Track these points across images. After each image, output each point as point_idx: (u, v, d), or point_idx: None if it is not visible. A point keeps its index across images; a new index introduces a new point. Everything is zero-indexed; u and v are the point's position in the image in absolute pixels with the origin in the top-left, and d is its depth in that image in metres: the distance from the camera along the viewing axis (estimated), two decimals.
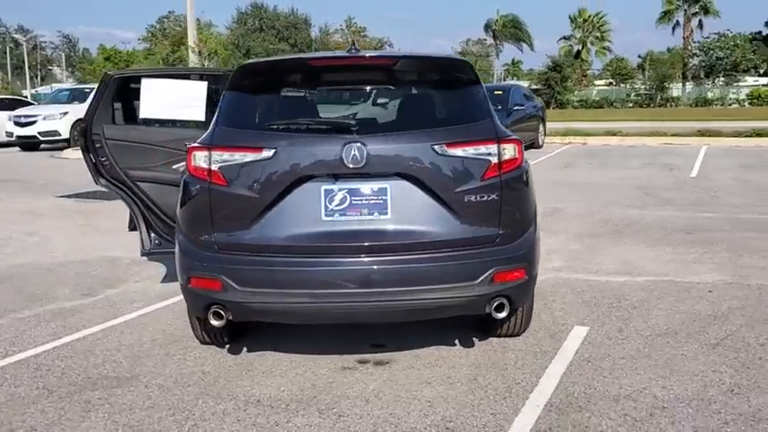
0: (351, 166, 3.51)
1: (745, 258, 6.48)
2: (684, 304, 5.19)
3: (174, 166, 5.35)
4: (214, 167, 3.64)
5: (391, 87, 3.85)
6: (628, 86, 48.64)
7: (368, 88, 3.86)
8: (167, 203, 5.32)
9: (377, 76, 3.83)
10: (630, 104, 43.77)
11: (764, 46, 58.03)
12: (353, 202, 3.57)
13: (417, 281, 3.56)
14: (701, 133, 18.34)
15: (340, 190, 3.57)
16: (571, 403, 3.62)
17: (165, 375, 4.08)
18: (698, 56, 49.09)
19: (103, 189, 5.68)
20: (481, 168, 3.61)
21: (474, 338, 4.52)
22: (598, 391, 3.75)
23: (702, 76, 48.67)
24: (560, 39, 51.14)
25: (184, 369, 4.17)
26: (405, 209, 3.58)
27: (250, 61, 3.98)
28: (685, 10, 48.49)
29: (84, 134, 5.38)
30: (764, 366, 4.03)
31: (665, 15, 49.25)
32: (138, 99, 5.30)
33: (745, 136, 17.59)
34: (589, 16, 49.83)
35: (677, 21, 49.33)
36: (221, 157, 3.63)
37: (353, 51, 4.05)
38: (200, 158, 3.68)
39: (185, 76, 5.46)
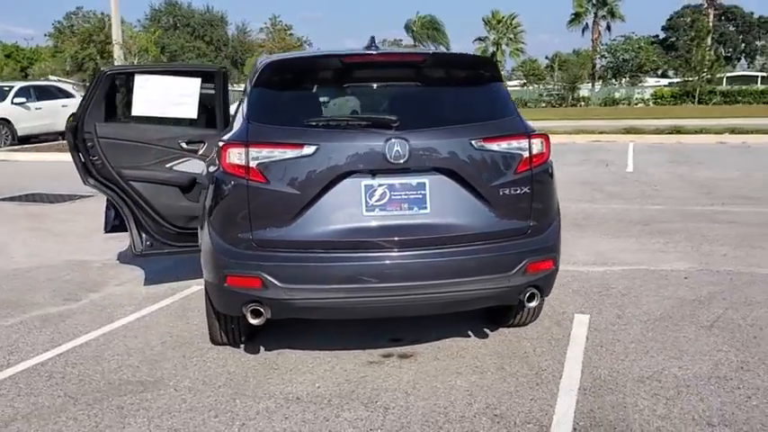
0: (393, 161, 3.56)
1: (705, 247, 6.90)
2: (667, 290, 5.49)
3: (168, 165, 5.24)
4: (252, 164, 3.60)
5: (422, 84, 3.91)
6: (540, 87, 50.25)
7: (400, 84, 3.91)
8: (162, 203, 5.21)
9: (407, 73, 3.88)
10: (543, 104, 45.26)
11: (662, 49, 61.33)
12: (393, 197, 3.62)
13: (457, 273, 3.65)
14: (627, 131, 19.23)
15: (380, 185, 3.61)
16: (601, 386, 3.79)
17: (191, 378, 4.01)
18: (606, 57, 51.28)
19: (91, 189, 5.48)
20: (514, 162, 3.73)
21: (485, 329, 4.64)
22: (621, 374, 3.94)
23: (610, 77, 50.87)
24: (475, 40, 52.31)
25: (208, 370, 4.10)
26: (443, 203, 3.66)
27: (279, 57, 3.96)
28: (594, 13, 50.55)
29: (74, 132, 5.18)
30: (761, 345, 4.34)
31: (576, 18, 51.18)
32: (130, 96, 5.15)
33: (667, 133, 18.57)
34: (503, 18, 51.18)
35: (586, 23, 51.36)
36: (259, 154, 3.60)
37: (374, 48, 4.11)
38: (236, 155, 3.63)
39: (179, 72, 5.34)
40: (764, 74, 55.31)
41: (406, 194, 3.63)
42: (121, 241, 7.48)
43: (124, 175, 5.14)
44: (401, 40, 67.86)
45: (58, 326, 4.95)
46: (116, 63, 20.74)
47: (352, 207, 3.61)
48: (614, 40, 50.95)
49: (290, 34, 36.60)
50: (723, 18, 77.91)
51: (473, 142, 3.67)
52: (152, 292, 5.70)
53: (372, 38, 4.13)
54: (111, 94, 5.24)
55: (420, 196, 3.63)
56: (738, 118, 22.58)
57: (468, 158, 3.66)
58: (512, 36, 51.07)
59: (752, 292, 5.36)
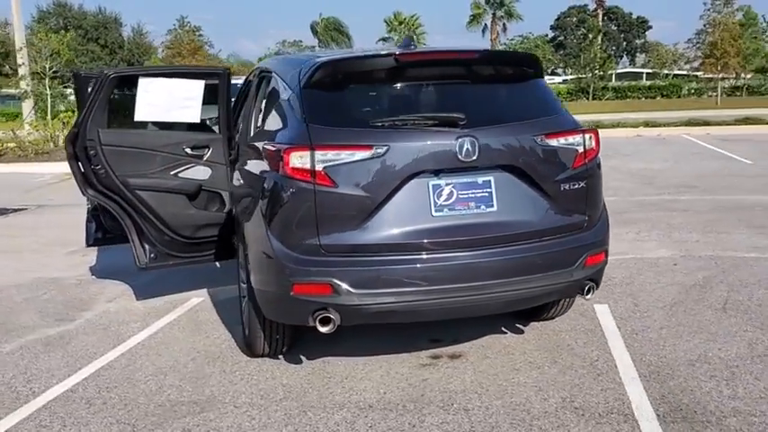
0: (464, 159, 3.52)
1: (675, 234, 7.24)
2: (665, 277, 5.72)
3: (172, 172, 4.98)
4: (318, 168, 3.47)
5: (475, 81, 3.88)
6: None
7: (454, 82, 3.86)
8: (169, 212, 4.95)
9: (460, 71, 3.84)
10: None
11: (552, 48, 63.91)
12: (460, 196, 3.59)
13: (526, 271, 3.65)
14: None
15: (447, 185, 3.57)
16: (658, 372, 3.90)
17: (245, 393, 3.83)
18: None
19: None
20: (571, 158, 3.78)
21: (516, 325, 4.68)
22: (670, 359, 4.07)
23: None
24: (378, 40, 52.72)
25: (259, 384, 3.93)
26: (509, 200, 3.65)
27: (330, 58, 3.82)
28: (492, 14, 52.06)
29: (73, 141, 4.82)
30: None
31: (474, 19, 52.55)
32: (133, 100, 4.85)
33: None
34: (405, 19, 51.84)
35: (485, 24, 52.83)
36: (325, 157, 3.47)
37: (412, 47, 4.06)
38: (299, 159, 3.48)
39: (183, 74, 5.08)
40: (649, 70, 58.54)
41: (472, 193, 3.60)
42: (85, 255, 7.11)
43: (130, 183, 4.83)
44: (301, 42, 67.37)
45: (65, 349, 4.60)
46: (22, 68, 19.44)
47: (421, 208, 3.55)
48: (512, 39, 52.69)
49: (200, 35, 35.58)
50: (605, 18, 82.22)
51: (536, 138, 3.69)
52: (150, 307, 5.40)
53: (410, 36, 4.08)
54: (114, 98, 4.91)
55: (486, 194, 3.62)
56: (647, 111, 23.84)
57: (532, 155, 3.68)
58: (414, 37, 51.78)
59: (742, 275, 5.66)
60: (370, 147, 3.47)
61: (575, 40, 51.55)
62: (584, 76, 49.40)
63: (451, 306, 3.63)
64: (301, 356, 4.28)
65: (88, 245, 5.94)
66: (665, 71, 52.26)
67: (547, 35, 79.14)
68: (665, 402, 3.54)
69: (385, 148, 3.47)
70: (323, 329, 3.55)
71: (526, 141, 3.67)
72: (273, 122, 4.02)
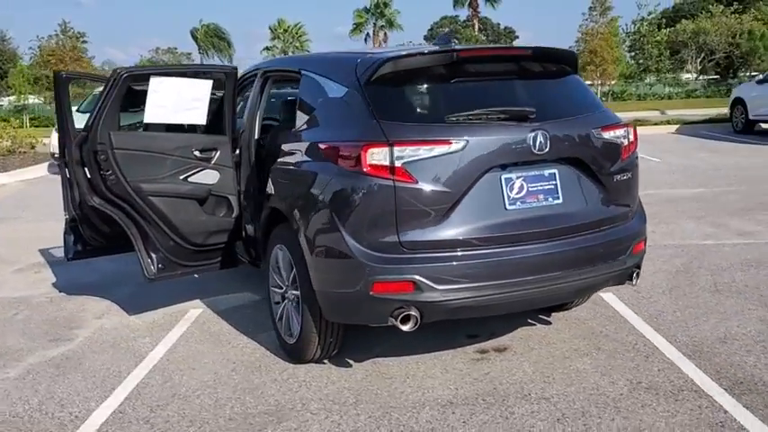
0: (538, 152, 3.59)
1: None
2: (648, 266, 5.99)
3: (182, 177, 4.74)
4: (397, 164, 3.43)
5: (527, 77, 3.95)
6: None
7: (512, 78, 3.91)
8: (181, 219, 4.71)
9: (513, 67, 3.90)
10: None
11: None
12: (530, 189, 3.65)
13: (590, 260, 3.77)
14: None
15: (518, 178, 3.63)
16: (699, 350, 4.14)
17: (314, 399, 3.70)
18: None
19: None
20: (620, 150, 3.94)
21: (540, 316, 4.80)
22: (701, 338, 4.32)
23: None
24: (263, 49, 52.06)
25: (322, 390, 3.81)
26: (571, 192, 3.76)
27: (394, 54, 3.76)
28: (374, 23, 52.72)
29: (81, 145, 4.48)
30: None
31: (357, 28, 53.00)
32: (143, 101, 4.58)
33: None
34: (288, 27, 51.49)
35: (368, 33, 53.40)
36: (404, 153, 3.44)
37: (453, 43, 4.11)
38: (378, 155, 3.42)
39: (195, 73, 4.84)
40: None
41: (540, 186, 3.68)
42: (38, 272, 6.68)
43: (143, 189, 4.53)
44: (176, 49, 65.20)
45: (81, 370, 4.26)
46: None
47: (496, 201, 3.59)
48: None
49: (84, 41, 33.57)
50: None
51: (594, 131, 3.82)
52: (149, 322, 5.09)
53: (450, 31, 4.12)
54: (127, 98, 4.59)
55: (552, 186, 3.71)
56: None
57: (592, 147, 3.81)
58: (298, 45, 51.52)
59: (714, 260, 6.08)
60: (448, 141, 3.47)
61: None
62: None
63: (526, 298, 3.69)
64: (347, 359, 4.19)
65: (69, 258, 5.52)
66: None
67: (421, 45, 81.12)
68: (724, 377, 3.76)
69: (464, 142, 3.48)
70: (404, 328, 3.51)
71: (588, 134, 3.79)
72: (324, 121, 3.92)
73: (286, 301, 4.22)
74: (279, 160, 4.21)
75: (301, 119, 4.19)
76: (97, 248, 5.62)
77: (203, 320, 5.06)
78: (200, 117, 4.82)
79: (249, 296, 5.55)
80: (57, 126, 5.35)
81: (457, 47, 3.77)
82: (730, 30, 46.86)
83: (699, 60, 46.36)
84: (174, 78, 4.65)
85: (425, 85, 3.76)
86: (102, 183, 4.51)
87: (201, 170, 4.79)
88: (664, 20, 51.14)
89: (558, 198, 3.72)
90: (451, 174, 3.48)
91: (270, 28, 51.16)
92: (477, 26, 53.51)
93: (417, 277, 3.44)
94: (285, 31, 50.82)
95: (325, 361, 4.17)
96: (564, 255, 3.68)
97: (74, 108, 6.08)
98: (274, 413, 3.57)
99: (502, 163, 3.57)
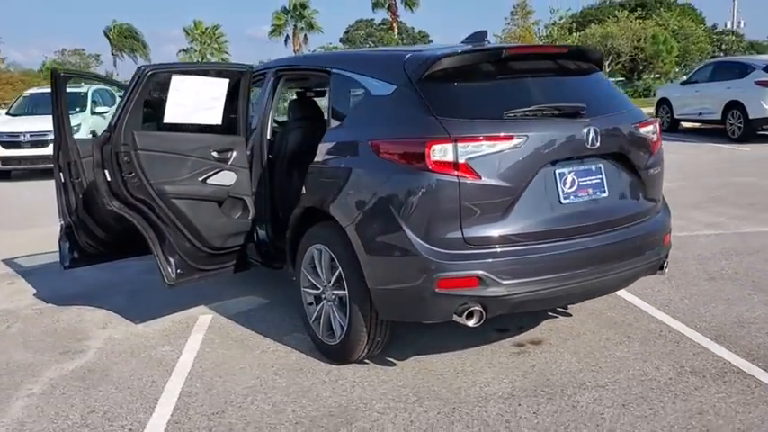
0: (590, 147, 3.69)
1: None
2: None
3: (201, 178, 4.61)
4: (461, 160, 3.45)
5: (565, 74, 4.03)
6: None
7: (554, 75, 3.98)
8: (203, 222, 4.57)
9: (551, 65, 3.97)
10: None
11: None
12: (581, 183, 3.75)
13: (635, 252, 3.90)
14: None
15: (569, 173, 3.72)
16: (723, 334, 4.34)
17: (376, 399, 3.67)
18: None
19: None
20: (652, 145, 4.11)
21: (557, 309, 4.93)
22: (718, 323, 4.54)
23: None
24: (179, 51, 50.86)
25: (377, 389, 3.78)
26: (615, 186, 3.88)
27: (445, 51, 3.76)
28: (294, 25, 52.41)
29: (101, 146, 4.26)
30: None
31: (276, 29, 52.55)
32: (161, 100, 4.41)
33: None
34: (206, 29, 50.51)
35: (287, 35, 53.05)
36: (467, 149, 3.46)
37: (487, 42, 4.18)
38: (442, 152, 3.43)
39: (211, 72, 4.69)
40: None
41: (589, 180, 3.78)
42: (12, 283, 6.33)
43: (167, 192, 4.37)
44: (83, 50, 62.71)
45: (112, 382, 4.06)
46: None
47: (552, 196, 3.66)
48: (315, 50, 53.41)
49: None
50: (391, 31, 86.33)
51: (633, 127, 3.96)
52: (160, 329, 4.91)
53: (485, 32, 4.19)
54: (150, 97, 4.40)
55: (599, 180, 3.82)
56: None
57: (632, 142, 3.95)
58: (216, 46, 50.62)
59: (696, 251, 6.39)
60: (510, 137, 3.52)
61: None
62: None
63: (581, 290, 3.78)
64: (387, 358, 4.18)
65: (65, 267, 5.26)
66: None
67: (337, 48, 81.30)
68: (757, 358, 3.98)
69: (524, 138, 3.54)
70: (469, 323, 3.53)
71: (629, 129, 3.93)
72: (371, 119, 3.89)
73: (324, 301, 4.16)
74: (317, 159, 4.14)
75: (336, 117, 4.15)
76: (93, 255, 5.39)
77: (218, 326, 4.91)
78: (217, 117, 4.69)
79: (255, 299, 5.44)
80: (54, 129, 5.08)
81: (505, 45, 3.83)
82: (635, 34, 49.21)
83: (607, 63, 48.40)
84: (194, 77, 4.50)
85: (477, 82, 3.79)
86: (122, 185, 4.32)
87: (219, 171, 4.66)
88: (574, 24, 53.00)
89: (605, 192, 3.83)
90: (512, 169, 3.53)
91: (185, 30, 50.01)
92: (396, 30, 53.94)
93: (482, 272, 3.47)
94: (202, 33, 49.78)
95: (366, 360, 4.13)
96: (612, 247, 3.80)
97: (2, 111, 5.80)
98: (340, 414, 3.52)
99: (560, 158, 3.65)
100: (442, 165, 3.44)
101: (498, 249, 3.53)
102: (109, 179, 4.32)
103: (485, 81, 3.79)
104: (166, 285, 4.54)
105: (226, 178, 4.68)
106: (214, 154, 4.64)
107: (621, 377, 3.81)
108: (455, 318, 3.53)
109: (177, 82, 4.38)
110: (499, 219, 3.53)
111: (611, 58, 48.99)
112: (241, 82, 4.74)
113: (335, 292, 4.05)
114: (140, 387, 3.96)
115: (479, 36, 4.20)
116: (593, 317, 4.75)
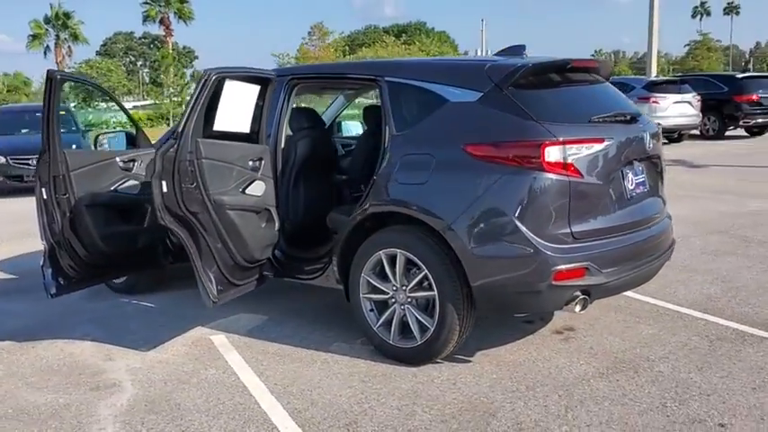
0: (648, 150, 4.22)
1: None
2: None
3: (242, 188, 4.41)
4: (569, 160, 3.77)
5: (602, 84, 4.52)
6: None
7: (597, 84, 4.37)
8: (250, 233, 4.39)
9: (595, 76, 4.43)
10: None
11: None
12: (635, 181, 4.24)
13: (666, 243, 4.49)
14: None
15: (628, 172, 4.19)
16: (717, 306, 5.10)
17: (488, 392, 3.82)
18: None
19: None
20: (661, 150, 4.74)
21: None
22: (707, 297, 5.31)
23: (80, 101, 49.47)
24: None
25: (483, 384, 3.91)
26: (651, 185, 4.43)
27: (539, 61, 4.03)
28: (57, 35, 48.24)
29: (164, 155, 3.88)
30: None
31: (35, 39, 47.97)
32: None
33: None
34: None
35: (48, 45, 48.66)
36: (572, 150, 3.78)
37: (524, 54, 4.57)
38: (555, 153, 3.71)
39: (255, 78, 4.45)
40: None
41: (638, 179, 4.27)
42: None
43: (224, 203, 4.09)
44: None
45: (196, 409, 3.74)
46: None
47: (624, 192, 4.11)
48: (79, 63, 49.70)
49: None
50: (152, 47, 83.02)
51: (656, 132, 4.55)
52: (180, 354, 4.56)
53: (523, 46, 4.57)
54: (213, 103, 4.06)
55: (642, 179, 4.33)
56: None
57: (656, 146, 4.52)
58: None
59: None
60: (602, 140, 3.91)
61: (145, 67, 51.08)
62: (163, 102, 49.41)
63: (642, 276, 4.24)
64: (457, 356, 4.32)
65: (52, 295, 4.65)
66: None
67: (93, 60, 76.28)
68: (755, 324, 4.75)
69: (611, 141, 3.95)
70: (579, 310, 3.85)
71: (656, 133, 4.51)
72: (456, 125, 4.03)
73: (396, 305, 4.20)
74: (384, 166, 4.18)
75: (402, 124, 4.22)
76: (78, 280, 4.83)
77: (244, 345, 4.67)
78: (246, 124, 4.51)
79: (253, 316, 5.20)
80: (42, 137, 4.47)
81: (569, 58, 4.22)
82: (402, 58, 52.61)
83: None
84: (242, 83, 4.29)
85: (551, 90, 4.14)
86: (178, 197, 3.98)
87: (254, 181, 4.47)
88: (347, 47, 55.21)
89: (647, 189, 4.37)
90: (602, 169, 3.92)
91: None
92: (171, 43, 52.01)
93: (588, 263, 3.81)
94: None
95: (438, 360, 4.23)
96: (657, 239, 4.33)
97: None
98: (472, 410, 3.62)
99: (631, 159, 4.11)
100: (555, 165, 3.73)
101: (596, 242, 3.90)
102: (165, 190, 3.96)
103: (557, 89, 4.16)
104: (211, 304, 4.24)
105: (258, 188, 4.50)
106: (250, 163, 4.44)
107: (671, 348, 4.34)
108: (565, 307, 3.82)
109: (230, 87, 4.16)
110: (595, 214, 3.90)
111: None
112: (268, 89, 4.59)
113: (415, 294, 4.11)
114: (234, 411, 3.70)
115: (517, 50, 4.54)
116: (599, 308, 5.19)
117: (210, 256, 4.20)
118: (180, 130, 3.91)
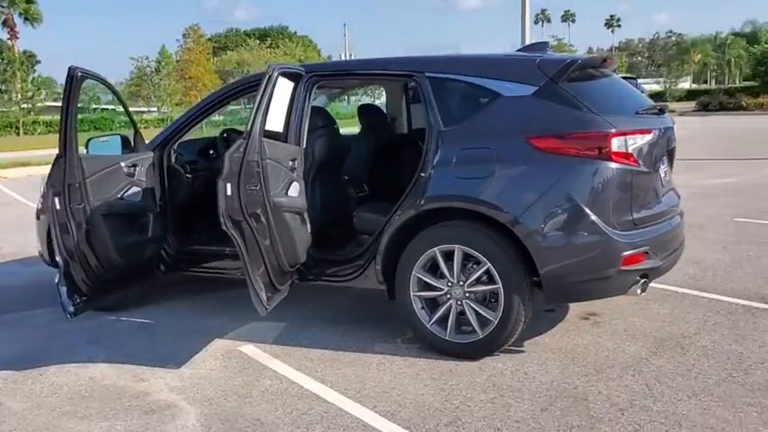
0: (671, 144, 4.50)
1: None
2: None
3: (286, 190, 4.25)
4: (630, 150, 3.94)
5: (615, 78, 4.71)
6: None
7: (612, 78, 4.59)
8: (301, 237, 4.24)
9: (611, 71, 4.64)
10: None
11: None
12: (664, 171, 4.51)
13: (684, 234, 4.78)
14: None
15: (662, 163, 4.43)
16: (702, 284, 5.50)
17: (570, 378, 3.93)
18: None
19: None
20: None
21: None
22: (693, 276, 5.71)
23: None
24: None
25: (557, 375, 3.99)
26: (670, 176, 4.72)
27: (586, 57, 4.13)
28: None
29: (232, 155, 3.64)
30: None
31: None
32: None
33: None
34: None
35: None
36: (629, 141, 3.95)
37: (551, 51, 4.74)
38: (619, 143, 3.85)
39: (293, 75, 4.25)
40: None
41: (664, 169, 4.54)
42: None
43: (283, 205, 3.90)
44: None
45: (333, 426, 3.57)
46: None
47: (661, 182, 4.36)
48: None
49: None
50: None
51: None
52: (217, 368, 4.30)
53: (546, 42, 4.72)
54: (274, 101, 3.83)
55: (666, 170, 4.61)
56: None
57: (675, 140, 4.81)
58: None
59: None
60: (650, 131, 4.12)
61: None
62: (9, 110, 46.16)
63: (673, 261, 4.47)
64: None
65: (71, 315, 4.24)
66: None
67: None
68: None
69: (656, 132, 4.17)
70: (640, 293, 4.03)
71: (674, 128, 4.80)
72: (513, 117, 4.08)
73: (451, 300, 4.20)
74: (437, 160, 4.17)
75: (450, 119, 4.22)
76: (90, 297, 4.45)
77: (281, 353, 4.48)
78: (279, 123, 4.34)
79: (271, 323, 4.98)
80: (59, 139, 4.06)
81: (604, 55, 4.41)
82: (267, 62, 52.38)
83: None
84: (286, 80, 4.12)
85: (594, 84, 4.29)
86: (239, 200, 3.76)
87: (292, 182, 4.32)
88: (212, 49, 53.86)
89: (669, 180, 4.65)
90: (650, 158, 4.14)
91: None
92: (17, 47, 48.32)
93: (648, 248, 4.01)
94: None
95: (498, 354, 4.26)
96: (681, 227, 4.59)
97: None
98: (562, 396, 3.67)
99: (668, 149, 4.36)
100: (620, 155, 3.89)
101: (650, 227, 4.10)
102: (229, 193, 3.72)
103: (597, 83, 4.32)
104: (264, 311, 4.04)
105: (295, 189, 4.35)
106: (290, 163, 4.28)
107: (697, 325, 4.63)
108: (629, 290, 3.99)
109: (281, 84, 3.99)
110: (648, 201, 4.12)
111: None
112: (298, 85, 4.44)
113: (475, 288, 4.13)
114: (323, 420, 3.55)
115: (541, 46, 4.68)
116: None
117: (261, 261, 4.00)
118: (248, 129, 3.69)
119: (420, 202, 4.21)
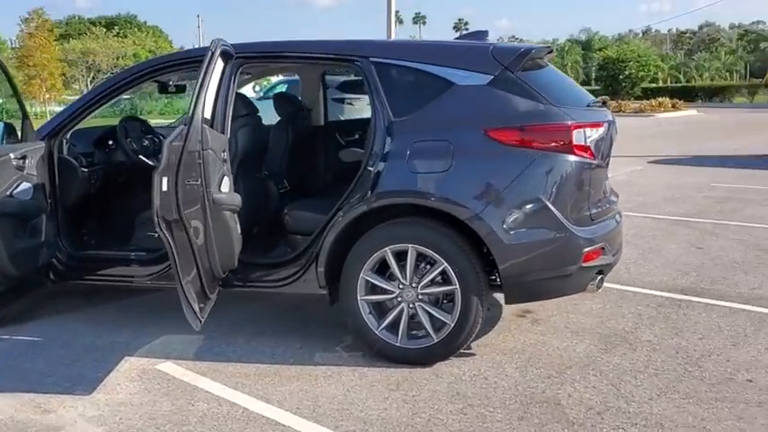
0: (612, 138, 4.42)
1: None
2: None
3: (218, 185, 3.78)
4: (588, 143, 3.81)
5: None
6: None
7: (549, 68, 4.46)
8: (237, 238, 3.79)
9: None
10: None
11: None
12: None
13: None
14: None
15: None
16: (634, 278, 5.58)
17: (546, 382, 3.75)
18: None
19: None
20: None
21: None
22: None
23: None
24: None
25: (531, 375, 3.85)
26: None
27: (538, 45, 3.90)
28: None
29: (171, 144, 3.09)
30: None
31: None
32: None
33: None
34: None
35: None
36: (587, 134, 3.81)
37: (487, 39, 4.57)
38: (579, 135, 3.70)
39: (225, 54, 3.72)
40: None
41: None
42: None
43: (222, 201, 3.41)
44: None
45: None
46: None
47: (606, 176, 4.29)
48: None
49: None
50: None
51: None
52: (135, 392, 3.72)
53: (486, 31, 4.56)
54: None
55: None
56: None
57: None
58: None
59: None
60: (602, 124, 4.02)
61: None
62: None
63: (619, 258, 4.42)
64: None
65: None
66: None
67: None
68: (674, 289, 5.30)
69: (606, 125, 4.08)
70: (598, 290, 3.93)
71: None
72: (468, 108, 3.84)
73: (403, 304, 3.91)
74: (388, 152, 3.85)
75: (399, 109, 3.91)
76: None
77: (208, 370, 3.97)
78: (210, 109, 3.85)
79: (185, 336, 4.39)
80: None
81: (549, 45, 4.27)
82: (115, 51, 49.68)
83: (89, 79, 47.93)
84: (221, 60, 3.63)
85: (543, 74, 4.13)
86: (175, 196, 3.24)
87: (224, 177, 3.84)
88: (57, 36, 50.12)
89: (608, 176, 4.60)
90: (601, 152, 4.04)
91: None
92: None
93: (604, 243, 3.92)
94: None
95: (450, 359, 4.02)
96: (621, 226, 4.51)
97: None
98: (532, 401, 3.49)
99: (611, 143, 4.30)
100: (581, 148, 3.76)
101: (603, 223, 4.02)
102: (165, 189, 3.17)
103: (545, 73, 4.18)
104: (198, 325, 3.55)
105: (226, 185, 3.87)
106: (222, 155, 3.80)
107: (632, 319, 4.63)
108: (587, 287, 3.88)
109: (218, 64, 3.50)
110: (600, 197, 4.02)
111: (92, 74, 48.44)
112: (227, 67, 3.96)
113: (428, 290, 3.87)
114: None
115: (480, 35, 4.48)
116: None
117: (195, 268, 3.50)
118: (190, 114, 3.18)
119: (370, 199, 3.87)
